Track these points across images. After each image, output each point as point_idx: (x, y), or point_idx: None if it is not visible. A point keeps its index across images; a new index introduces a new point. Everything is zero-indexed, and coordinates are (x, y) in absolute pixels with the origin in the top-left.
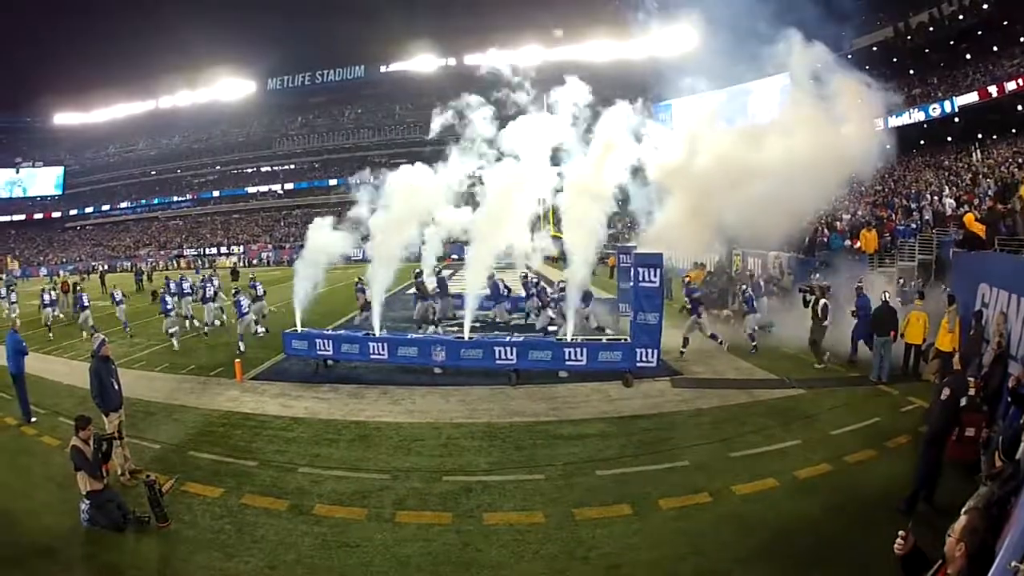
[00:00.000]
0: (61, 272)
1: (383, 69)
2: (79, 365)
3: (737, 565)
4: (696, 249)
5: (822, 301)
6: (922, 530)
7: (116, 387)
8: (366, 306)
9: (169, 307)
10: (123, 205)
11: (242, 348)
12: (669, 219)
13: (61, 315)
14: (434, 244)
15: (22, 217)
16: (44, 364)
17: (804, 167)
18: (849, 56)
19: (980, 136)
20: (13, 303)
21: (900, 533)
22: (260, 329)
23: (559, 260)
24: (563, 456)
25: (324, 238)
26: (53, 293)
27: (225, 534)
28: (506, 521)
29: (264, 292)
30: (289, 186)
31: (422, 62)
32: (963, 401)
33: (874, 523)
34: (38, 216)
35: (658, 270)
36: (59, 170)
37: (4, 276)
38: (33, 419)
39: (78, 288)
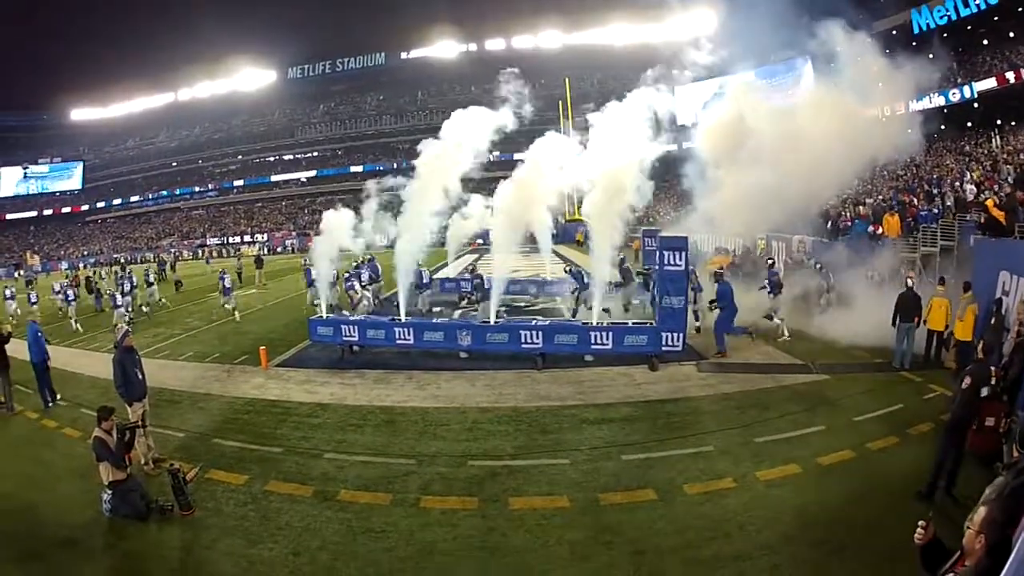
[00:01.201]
0: (82, 265)
1: (404, 56)
2: (101, 357)
3: (761, 550)
4: (752, 226)
5: None
6: (941, 519)
7: (140, 377)
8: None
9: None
10: (144, 197)
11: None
12: (720, 196)
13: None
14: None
15: (45, 212)
16: (67, 356)
17: (828, 147)
18: (870, 39)
19: (999, 122)
20: (33, 303)
21: (920, 523)
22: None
23: (583, 243)
24: (589, 440)
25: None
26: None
27: (249, 521)
28: (531, 506)
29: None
30: (312, 174)
31: (443, 48)
32: (984, 391)
33: (896, 510)
34: (57, 211)
35: (683, 253)
36: (79, 165)
37: (24, 271)
38: (60, 399)
39: (92, 282)
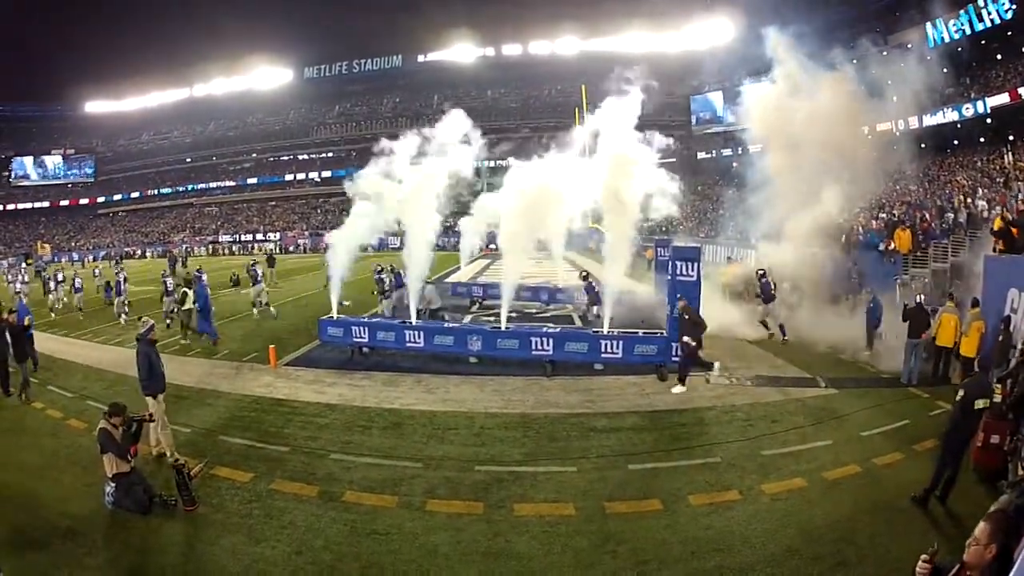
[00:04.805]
0: (91, 258)
1: (421, 59)
2: (109, 349)
3: (764, 563)
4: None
5: None
6: (936, 534)
7: (161, 371)
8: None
9: None
10: (157, 191)
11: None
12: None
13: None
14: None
15: (57, 203)
16: (74, 348)
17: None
18: (884, 53)
19: (1012, 138)
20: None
21: (923, 557)
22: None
23: (595, 251)
24: (596, 449)
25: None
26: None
27: (253, 519)
28: (536, 513)
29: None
30: (326, 174)
31: (460, 52)
32: (978, 404)
33: (900, 526)
34: (72, 202)
35: (695, 263)
36: (92, 159)
37: (33, 261)
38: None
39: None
